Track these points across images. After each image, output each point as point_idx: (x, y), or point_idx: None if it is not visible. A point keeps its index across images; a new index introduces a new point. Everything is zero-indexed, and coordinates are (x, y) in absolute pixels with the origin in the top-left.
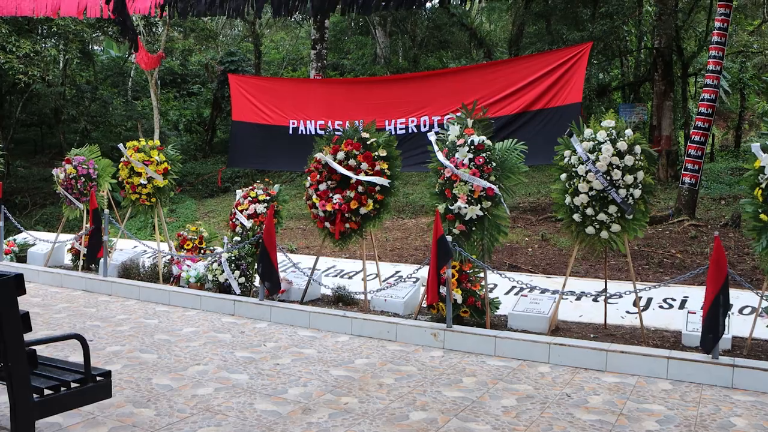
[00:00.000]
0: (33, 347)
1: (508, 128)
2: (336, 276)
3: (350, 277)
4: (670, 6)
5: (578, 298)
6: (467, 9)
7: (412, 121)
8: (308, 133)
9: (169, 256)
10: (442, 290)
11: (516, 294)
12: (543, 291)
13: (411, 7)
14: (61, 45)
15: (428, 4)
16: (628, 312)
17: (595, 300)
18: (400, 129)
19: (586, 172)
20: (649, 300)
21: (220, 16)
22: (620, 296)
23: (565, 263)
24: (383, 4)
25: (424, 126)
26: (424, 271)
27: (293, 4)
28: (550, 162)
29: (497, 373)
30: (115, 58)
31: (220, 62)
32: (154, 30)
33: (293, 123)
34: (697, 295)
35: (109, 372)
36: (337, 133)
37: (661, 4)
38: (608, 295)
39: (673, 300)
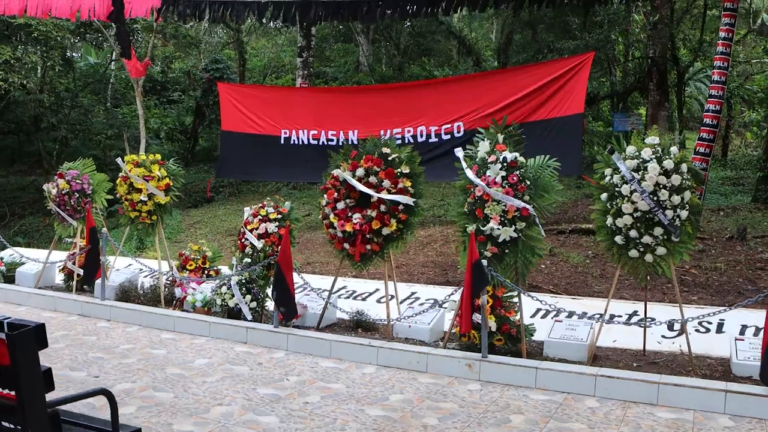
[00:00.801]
0: (56, 407)
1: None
2: (348, 298)
3: (364, 299)
4: (665, 15)
5: (609, 321)
6: (450, 16)
7: (408, 131)
8: (300, 143)
9: (170, 277)
10: (476, 317)
11: (543, 317)
12: (581, 316)
13: (417, 17)
14: (40, 51)
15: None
16: (664, 336)
17: (627, 323)
18: (396, 139)
19: (631, 192)
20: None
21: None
22: (656, 321)
23: (585, 282)
24: (388, 12)
25: (421, 136)
26: (438, 292)
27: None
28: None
29: (544, 409)
30: (94, 65)
31: (204, 69)
32: (134, 36)
33: (285, 132)
34: (732, 319)
35: (140, 430)
36: (334, 145)
37: (656, 13)
38: (649, 321)
39: (709, 323)
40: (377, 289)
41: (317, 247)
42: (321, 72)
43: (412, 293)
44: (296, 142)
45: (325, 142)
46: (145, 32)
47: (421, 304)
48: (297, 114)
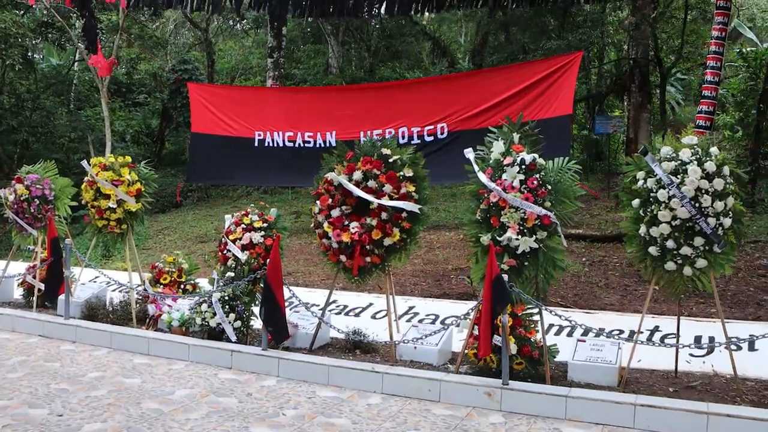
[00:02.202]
0: None
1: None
2: (340, 313)
3: (357, 315)
4: (648, 15)
5: (629, 338)
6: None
7: (390, 132)
8: (275, 145)
9: (141, 292)
10: (496, 339)
11: (557, 333)
12: (600, 333)
13: (404, 13)
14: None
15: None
16: (692, 355)
17: (649, 340)
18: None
19: (669, 198)
20: (711, 339)
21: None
22: (678, 337)
23: (593, 293)
24: (376, 6)
25: (403, 138)
26: (438, 307)
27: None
28: None
29: None
30: (57, 67)
31: (172, 70)
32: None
33: (259, 134)
34: (763, 333)
35: None
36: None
37: (639, 14)
38: (673, 337)
39: (740, 339)
40: (371, 304)
41: (295, 255)
42: (290, 74)
43: (410, 308)
44: (271, 145)
45: (302, 144)
46: (109, 33)
47: (421, 320)
48: (271, 115)
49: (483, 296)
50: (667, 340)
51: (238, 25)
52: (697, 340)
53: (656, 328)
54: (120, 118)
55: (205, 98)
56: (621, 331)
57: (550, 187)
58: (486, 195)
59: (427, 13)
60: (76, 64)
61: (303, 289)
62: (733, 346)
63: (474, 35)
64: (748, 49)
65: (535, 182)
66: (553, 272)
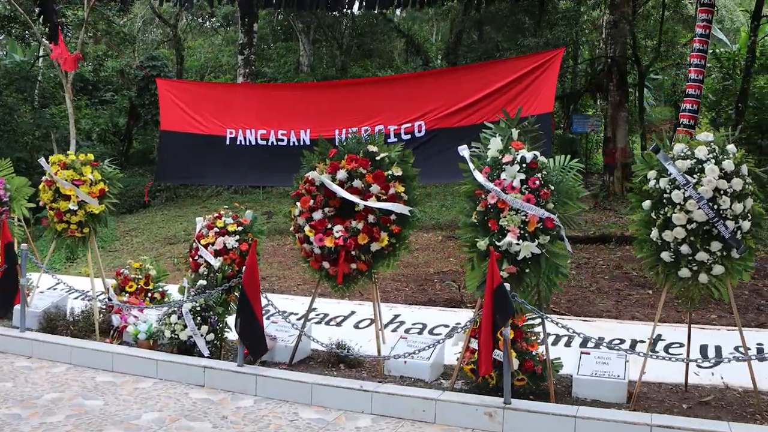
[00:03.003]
0: None
1: (471, 139)
2: (320, 322)
3: (339, 324)
4: (627, 13)
5: (632, 349)
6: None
7: (366, 131)
8: (248, 143)
9: (105, 301)
10: (497, 354)
11: (554, 343)
12: (599, 342)
13: (384, 8)
14: None
15: (357, 11)
16: (699, 366)
17: (655, 351)
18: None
19: (686, 200)
20: (718, 349)
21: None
22: (678, 346)
23: (586, 298)
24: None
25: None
26: (425, 315)
27: None
28: None
29: None
30: (20, 63)
31: (140, 66)
32: (64, 32)
33: (231, 132)
34: None
35: None
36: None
37: (617, 11)
38: (678, 347)
39: (747, 348)
40: (353, 312)
41: (268, 258)
42: (261, 72)
43: (395, 316)
44: (243, 143)
45: (275, 143)
46: (75, 29)
47: (408, 330)
48: (244, 112)
49: (483, 307)
50: (673, 350)
51: (208, 22)
52: (703, 349)
53: (659, 337)
54: (86, 116)
55: (174, 95)
56: (621, 341)
57: (552, 188)
58: (483, 196)
59: (398, 11)
60: (40, 60)
61: (279, 296)
62: (740, 354)
63: (448, 34)
64: (722, 50)
65: (537, 182)
66: (555, 279)
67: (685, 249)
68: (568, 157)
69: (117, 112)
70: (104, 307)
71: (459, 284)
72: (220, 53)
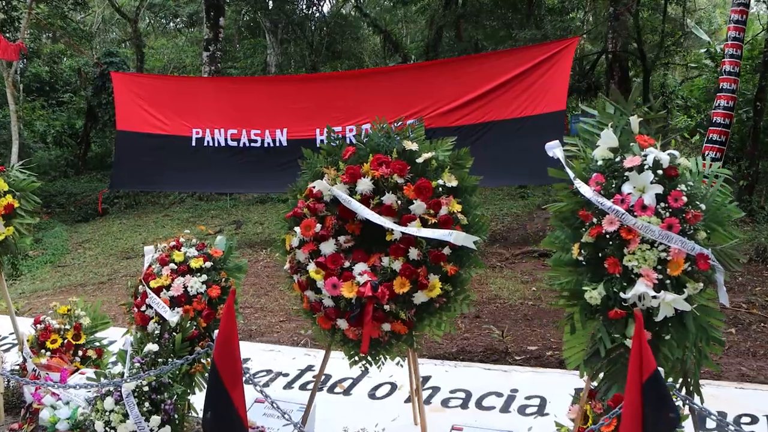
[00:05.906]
0: None
1: (471, 141)
2: (321, 389)
3: (347, 392)
4: (630, 5)
5: None
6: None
7: (351, 130)
8: (216, 144)
9: (18, 361)
10: None
11: None
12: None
13: None
14: None
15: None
16: None
17: None
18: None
19: None
20: None
21: None
22: None
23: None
24: None
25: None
26: (476, 381)
27: None
28: (528, 183)
29: None
30: None
31: (97, 62)
32: (16, 24)
33: (197, 132)
34: None
35: None
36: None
37: (619, 3)
38: None
39: None
40: (365, 372)
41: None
42: (226, 72)
43: (424, 379)
44: (210, 144)
45: (247, 144)
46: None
47: (446, 401)
48: (211, 109)
49: (624, 405)
50: None
51: (172, 23)
52: None
53: None
54: (41, 118)
55: (132, 90)
56: (753, 418)
57: (703, 207)
58: (594, 220)
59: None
60: None
61: (258, 344)
62: None
63: (428, 29)
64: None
65: (682, 199)
66: (707, 349)
67: None
68: (708, 158)
69: (75, 114)
70: (17, 368)
71: (502, 330)
72: (184, 53)
